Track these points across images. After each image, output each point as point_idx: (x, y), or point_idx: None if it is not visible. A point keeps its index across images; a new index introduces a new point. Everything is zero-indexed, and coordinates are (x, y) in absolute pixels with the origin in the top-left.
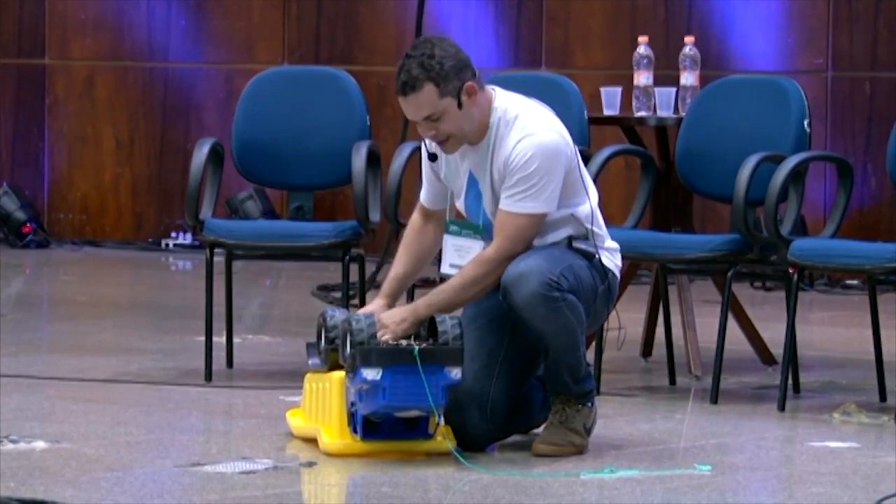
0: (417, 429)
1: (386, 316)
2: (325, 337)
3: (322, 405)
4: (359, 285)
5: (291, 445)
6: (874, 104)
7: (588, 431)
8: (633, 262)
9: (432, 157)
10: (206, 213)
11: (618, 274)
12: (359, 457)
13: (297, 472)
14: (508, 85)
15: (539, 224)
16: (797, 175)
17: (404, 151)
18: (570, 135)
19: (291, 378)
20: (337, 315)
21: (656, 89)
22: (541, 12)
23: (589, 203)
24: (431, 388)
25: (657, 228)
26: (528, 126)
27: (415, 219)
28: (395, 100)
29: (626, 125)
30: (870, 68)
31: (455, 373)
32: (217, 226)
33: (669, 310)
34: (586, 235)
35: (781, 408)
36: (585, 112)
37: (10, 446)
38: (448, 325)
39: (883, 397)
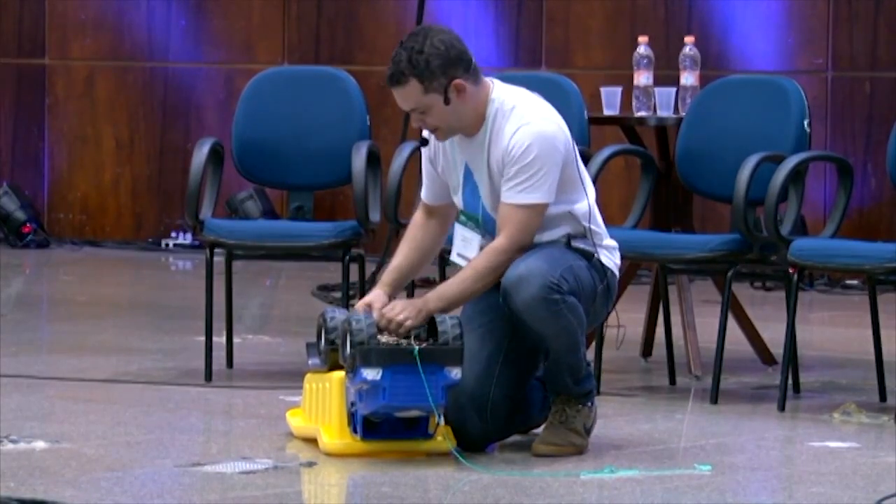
0: (417, 429)
1: (401, 304)
2: (325, 337)
3: (322, 405)
4: (359, 285)
5: (291, 445)
6: (874, 104)
7: (588, 431)
8: (633, 262)
9: (423, 142)
10: (206, 213)
11: (617, 272)
12: (359, 457)
13: (297, 472)
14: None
15: (542, 214)
16: (797, 175)
17: (404, 151)
18: (570, 135)
19: (291, 378)
20: (337, 315)
21: (656, 89)
22: (541, 12)
23: (587, 200)
24: (431, 388)
25: (657, 228)
26: (524, 116)
27: (417, 215)
28: (395, 100)
29: (626, 125)
30: (870, 68)
31: (455, 373)
32: (217, 226)
33: (669, 310)
34: (584, 234)
35: (781, 408)
36: (585, 112)
37: (10, 446)
38: (448, 325)
39: (883, 397)
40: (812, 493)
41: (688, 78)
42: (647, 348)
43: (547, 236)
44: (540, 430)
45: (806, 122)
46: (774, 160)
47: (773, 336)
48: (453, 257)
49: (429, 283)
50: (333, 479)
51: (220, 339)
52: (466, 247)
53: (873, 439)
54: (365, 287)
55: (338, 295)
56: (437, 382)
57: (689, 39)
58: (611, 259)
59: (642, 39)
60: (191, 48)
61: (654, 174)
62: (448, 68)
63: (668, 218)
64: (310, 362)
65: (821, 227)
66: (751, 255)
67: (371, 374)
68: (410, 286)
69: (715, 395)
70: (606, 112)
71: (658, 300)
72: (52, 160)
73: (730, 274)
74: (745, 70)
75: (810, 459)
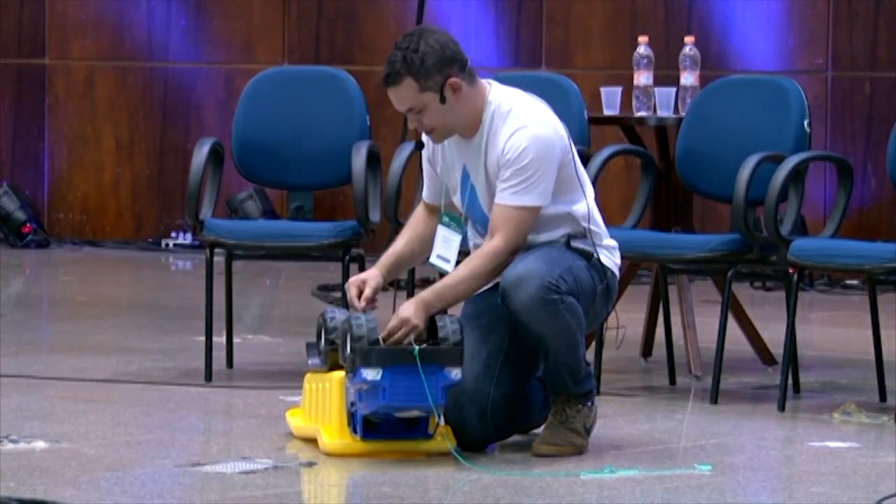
0: (417, 429)
1: (404, 311)
2: (325, 337)
3: (322, 405)
4: None
5: (291, 445)
6: (874, 104)
7: (588, 431)
8: (633, 262)
9: (420, 145)
10: (206, 213)
11: (617, 272)
12: (359, 457)
13: (297, 472)
14: (508, 85)
15: (536, 216)
16: (797, 175)
17: (404, 151)
18: (570, 135)
19: (291, 378)
20: (337, 315)
21: (656, 89)
22: (541, 12)
23: (585, 201)
24: (431, 389)
25: (657, 228)
26: (521, 119)
27: (419, 210)
28: (392, 101)
29: (626, 125)
30: (870, 68)
31: (455, 373)
32: (217, 226)
33: (669, 310)
34: (584, 234)
35: (781, 408)
36: (585, 112)
37: (10, 446)
38: (448, 325)
39: (883, 397)
40: (812, 493)
41: (688, 78)
42: (647, 348)
43: (546, 237)
44: (540, 430)
45: (806, 122)
46: (774, 160)
47: (773, 336)
48: (432, 259)
49: (429, 283)
50: (333, 479)
51: (220, 339)
52: (447, 248)
53: (873, 439)
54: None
55: (338, 295)
56: (437, 383)
57: (689, 39)
58: (610, 259)
59: (642, 39)
60: (191, 48)
61: (654, 174)
62: (443, 66)
63: (668, 218)
64: (310, 362)
65: (821, 227)
66: (751, 255)
67: (371, 374)
68: (410, 285)
69: (715, 395)
70: (606, 112)
71: (658, 300)
72: (52, 160)
73: (730, 274)
74: (745, 70)
75: (810, 459)
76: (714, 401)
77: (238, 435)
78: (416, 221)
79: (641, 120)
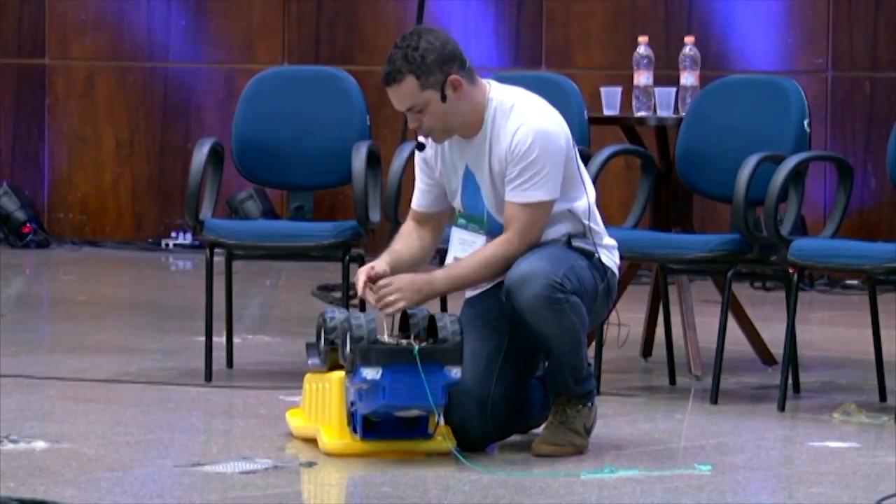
0: (417, 428)
1: (402, 281)
2: (325, 337)
3: (322, 405)
4: None
5: (291, 445)
6: (874, 104)
7: (588, 431)
8: (633, 262)
9: (420, 147)
10: (206, 213)
11: (616, 272)
12: (358, 457)
13: (297, 472)
14: (510, 85)
15: (549, 211)
16: (797, 175)
17: (404, 151)
18: (571, 135)
19: (291, 378)
20: (337, 315)
21: (656, 89)
22: (541, 12)
23: (586, 199)
24: (431, 388)
25: (657, 228)
26: (524, 114)
27: (407, 223)
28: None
29: (626, 125)
30: (870, 68)
31: (455, 372)
32: (217, 226)
33: (669, 310)
34: (584, 233)
35: (781, 408)
36: (585, 112)
37: (10, 446)
38: (448, 324)
39: (883, 397)
40: (812, 493)
41: (688, 78)
42: (647, 348)
43: (547, 234)
44: (540, 430)
45: (806, 122)
46: (774, 160)
47: (773, 336)
48: (450, 259)
49: None
50: (333, 479)
51: (220, 339)
52: (466, 250)
53: (873, 439)
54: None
55: (338, 295)
56: (437, 382)
57: (689, 39)
58: (610, 258)
59: (642, 39)
60: (191, 48)
61: (654, 174)
62: (444, 64)
63: (668, 218)
64: (309, 362)
65: (821, 227)
66: (751, 255)
67: (371, 373)
68: None
69: (715, 395)
70: (606, 112)
71: (658, 300)
72: (52, 160)
73: (730, 274)
74: (745, 70)
75: (810, 459)
76: (714, 401)
77: (238, 435)
78: (406, 231)
79: (641, 120)
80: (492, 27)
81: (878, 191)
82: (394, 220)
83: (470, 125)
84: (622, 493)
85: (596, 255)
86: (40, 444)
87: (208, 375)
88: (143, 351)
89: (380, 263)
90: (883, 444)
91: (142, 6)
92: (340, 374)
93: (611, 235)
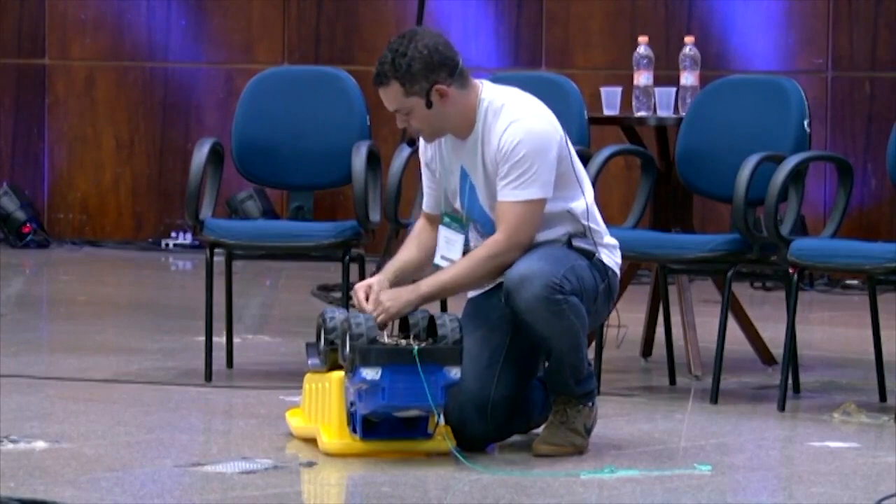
0: (417, 428)
1: (387, 294)
2: (325, 337)
3: (322, 405)
4: None
5: (291, 445)
6: (874, 104)
7: (588, 432)
8: (633, 262)
9: (410, 143)
10: (206, 213)
11: (618, 272)
12: (358, 457)
13: (297, 472)
14: (508, 85)
15: (541, 210)
16: (797, 175)
17: (404, 151)
18: (570, 135)
19: (291, 378)
20: (336, 315)
21: (656, 89)
22: (541, 12)
23: (584, 199)
24: (430, 388)
25: (657, 228)
26: (514, 113)
27: (419, 222)
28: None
29: (626, 125)
30: (870, 68)
31: (454, 372)
32: (217, 226)
33: (669, 310)
34: (584, 233)
35: (781, 408)
36: (585, 112)
37: (10, 446)
38: (447, 325)
39: (883, 397)
40: (812, 493)
41: (688, 78)
42: (647, 348)
43: (546, 235)
44: (540, 429)
45: (806, 122)
46: (774, 160)
47: (773, 336)
48: (437, 260)
49: None
50: (333, 479)
51: (220, 339)
52: (450, 248)
53: (873, 439)
54: None
55: (338, 295)
56: (437, 382)
57: (689, 39)
58: (611, 258)
59: (642, 39)
60: (191, 48)
61: (654, 174)
62: (430, 73)
63: (668, 218)
64: (309, 362)
65: (821, 227)
66: (751, 255)
67: (370, 373)
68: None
69: (715, 395)
70: (606, 112)
71: (658, 300)
72: (52, 160)
73: (730, 274)
74: (745, 70)
75: (810, 459)
76: (714, 401)
77: (238, 435)
78: (417, 232)
79: (641, 120)
80: (492, 27)
81: (878, 191)
82: (394, 220)
83: (462, 127)
84: (622, 493)
85: (596, 255)
86: (40, 444)
87: (208, 375)
88: (143, 351)
89: (378, 278)
90: (883, 444)
91: (142, 6)
92: (340, 374)
93: (611, 235)
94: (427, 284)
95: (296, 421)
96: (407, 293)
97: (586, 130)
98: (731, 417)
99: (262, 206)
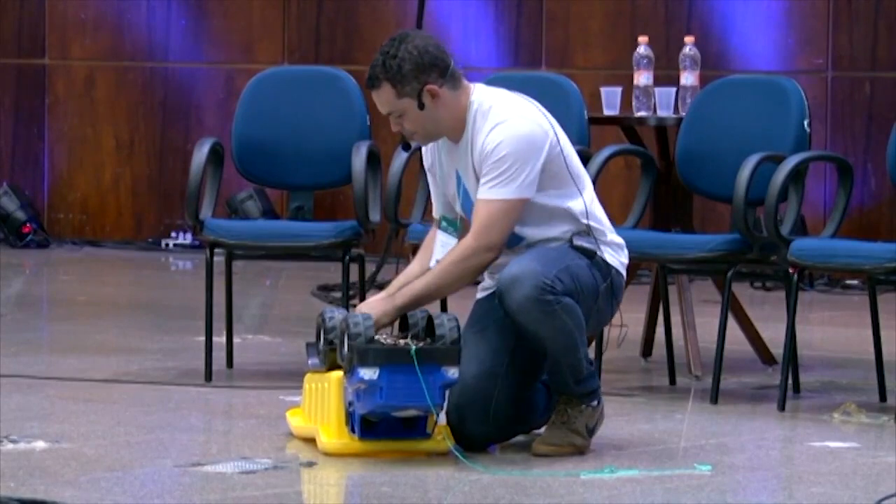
0: (416, 428)
1: (365, 305)
2: (324, 337)
3: (321, 405)
4: (359, 285)
5: (291, 445)
6: (874, 104)
7: (591, 432)
8: (633, 262)
9: (405, 147)
10: (206, 213)
11: (623, 271)
12: (357, 456)
13: (297, 472)
14: (508, 85)
15: (515, 211)
16: (797, 175)
17: (404, 152)
18: (570, 135)
19: (291, 378)
20: (336, 315)
21: (656, 89)
22: (541, 12)
23: (581, 198)
24: (429, 388)
25: (657, 228)
26: (500, 115)
27: (432, 230)
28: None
29: (626, 125)
30: (870, 68)
31: (452, 372)
32: (217, 226)
33: (669, 310)
34: (587, 231)
35: (781, 408)
36: (585, 112)
37: (10, 446)
38: (446, 324)
39: (883, 397)
40: (812, 493)
41: (688, 78)
42: (647, 348)
43: (546, 232)
44: (542, 430)
45: (806, 122)
46: (774, 160)
47: (773, 336)
48: (432, 264)
49: None
50: (333, 479)
51: (220, 339)
52: (445, 252)
53: (873, 439)
54: (365, 287)
55: (338, 295)
56: (435, 382)
57: (689, 39)
58: (616, 257)
59: (642, 39)
60: (191, 48)
61: (654, 174)
62: (420, 74)
63: (668, 218)
64: (309, 363)
65: (821, 227)
66: (751, 255)
67: (368, 373)
68: None
69: (715, 395)
70: (606, 112)
71: (658, 300)
72: (52, 160)
73: (730, 274)
74: (745, 70)
75: (810, 459)
76: (714, 401)
77: (238, 435)
78: (427, 242)
79: (641, 120)
80: (491, 27)
81: (878, 191)
82: (394, 220)
83: (455, 129)
84: (622, 493)
85: (598, 253)
86: (40, 444)
87: (208, 375)
88: (143, 351)
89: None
90: (883, 444)
91: (142, 6)
92: (339, 374)
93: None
94: (402, 295)
95: (296, 421)
96: (382, 304)
97: (586, 130)
98: (731, 417)
99: (262, 206)
